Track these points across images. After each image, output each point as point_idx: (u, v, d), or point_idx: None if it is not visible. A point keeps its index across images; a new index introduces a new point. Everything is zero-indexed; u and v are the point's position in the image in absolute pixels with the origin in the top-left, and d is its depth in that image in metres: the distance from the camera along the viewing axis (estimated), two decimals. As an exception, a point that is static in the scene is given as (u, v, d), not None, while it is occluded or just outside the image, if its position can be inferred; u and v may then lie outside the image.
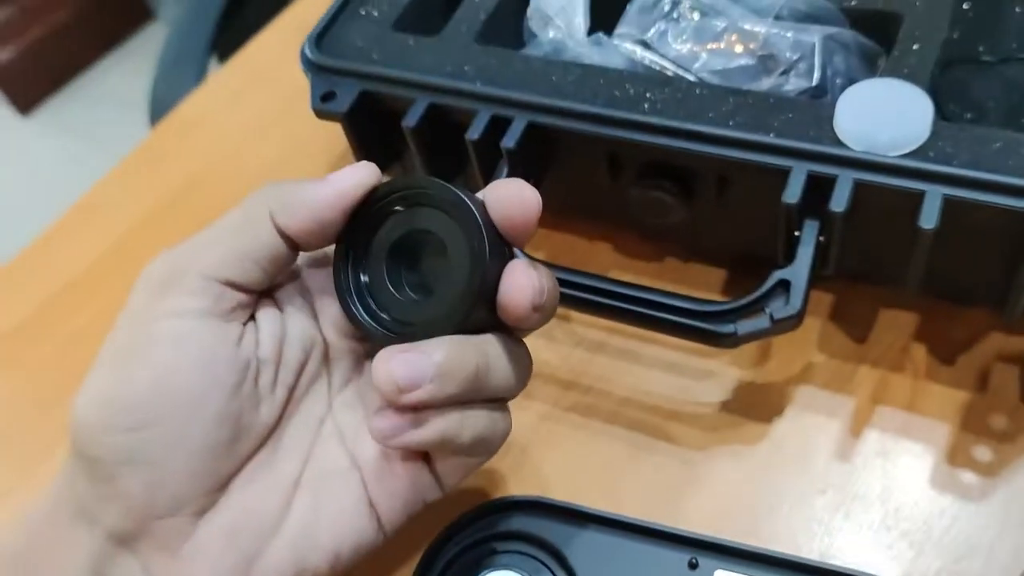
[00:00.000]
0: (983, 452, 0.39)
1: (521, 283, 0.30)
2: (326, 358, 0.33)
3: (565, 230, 0.50)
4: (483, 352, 0.30)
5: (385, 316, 0.32)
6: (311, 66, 0.46)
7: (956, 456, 0.39)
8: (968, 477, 0.39)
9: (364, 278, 0.32)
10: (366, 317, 0.32)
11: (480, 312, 0.30)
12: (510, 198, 0.30)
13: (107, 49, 2.02)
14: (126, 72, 1.97)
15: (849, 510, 0.39)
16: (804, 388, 0.43)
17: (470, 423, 0.30)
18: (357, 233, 0.32)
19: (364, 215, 0.32)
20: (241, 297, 0.30)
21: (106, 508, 0.29)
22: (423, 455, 0.32)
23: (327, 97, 0.45)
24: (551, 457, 0.43)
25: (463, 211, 0.30)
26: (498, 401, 0.32)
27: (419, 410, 0.29)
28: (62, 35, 1.96)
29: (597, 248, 0.49)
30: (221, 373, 0.29)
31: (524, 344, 0.33)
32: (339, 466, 0.31)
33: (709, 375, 0.44)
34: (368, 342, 0.34)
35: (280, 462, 0.31)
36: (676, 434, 0.42)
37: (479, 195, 0.31)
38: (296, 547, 0.30)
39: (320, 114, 0.45)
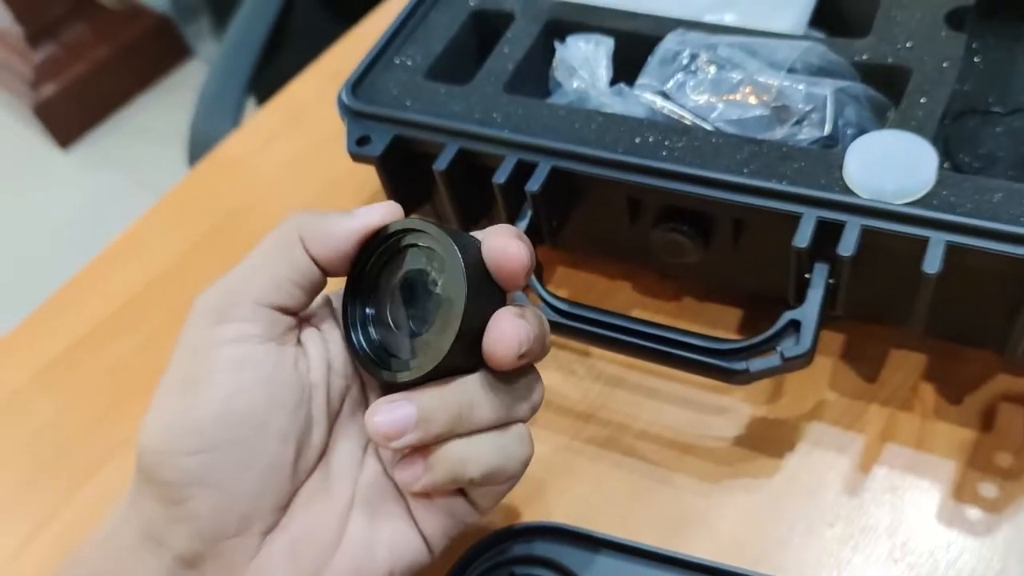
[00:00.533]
0: (989, 489, 0.41)
1: (506, 334, 0.31)
2: (364, 386, 0.35)
3: (586, 269, 0.52)
4: (465, 392, 0.31)
5: (383, 351, 0.33)
6: (347, 112, 0.49)
7: (962, 492, 0.41)
8: (974, 513, 0.40)
9: (370, 312, 0.34)
10: (367, 350, 0.33)
11: (460, 354, 0.31)
12: (499, 249, 0.31)
13: (146, 86, 2.08)
14: (163, 108, 2.02)
15: (857, 543, 0.40)
16: (815, 425, 0.44)
17: (475, 459, 0.32)
18: (366, 267, 0.33)
19: (374, 250, 0.33)
20: (289, 321, 0.32)
21: (175, 531, 0.30)
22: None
23: (362, 141, 0.47)
24: (569, 488, 0.44)
25: (451, 257, 0.31)
26: (503, 429, 0.33)
27: (426, 455, 0.31)
28: (102, 72, 2.02)
29: (617, 287, 0.51)
30: (282, 394, 0.31)
31: (533, 370, 0.34)
32: (386, 491, 0.33)
33: (723, 411, 0.46)
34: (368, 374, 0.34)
35: (333, 485, 0.33)
36: (691, 467, 0.44)
37: (478, 234, 0.33)
38: (355, 565, 0.32)
39: (355, 157, 0.48)
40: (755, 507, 0.42)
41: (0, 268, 1.76)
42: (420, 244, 0.33)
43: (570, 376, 0.48)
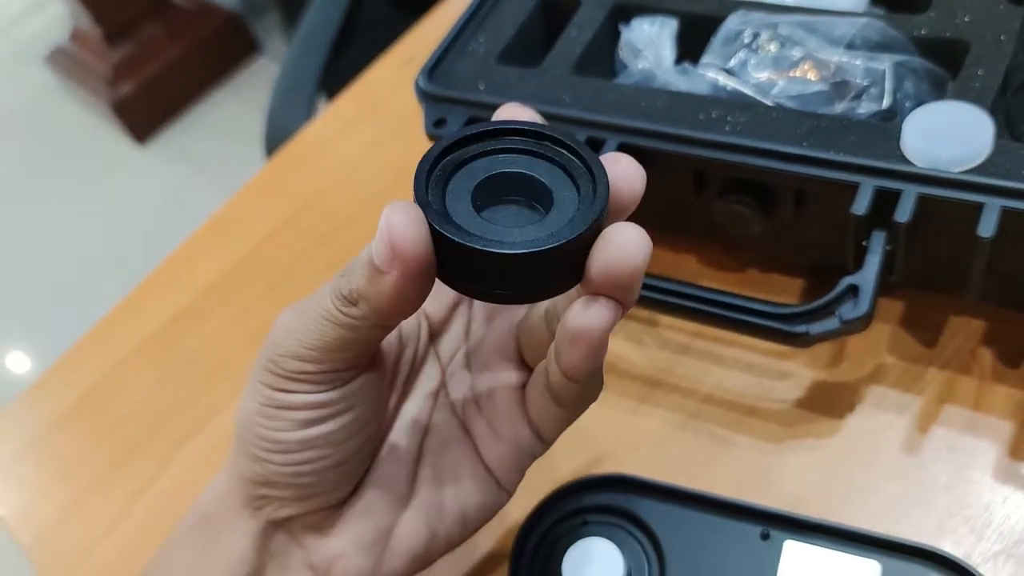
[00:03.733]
0: (1046, 448, 0.42)
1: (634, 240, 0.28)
2: (431, 334, 0.37)
3: (654, 243, 0.54)
4: None
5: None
6: (424, 96, 0.52)
7: (1019, 451, 0.42)
8: (1030, 470, 0.42)
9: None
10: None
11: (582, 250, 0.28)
12: (623, 174, 0.30)
13: (217, 83, 2.15)
14: (234, 104, 2.09)
15: (915, 498, 0.42)
16: (875, 388, 0.46)
17: None
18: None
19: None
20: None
21: (267, 504, 0.33)
22: (526, 417, 0.34)
23: (439, 123, 0.50)
24: (637, 449, 0.47)
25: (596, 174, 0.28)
26: None
27: None
28: (176, 70, 2.09)
29: (683, 260, 0.53)
30: (364, 414, 0.32)
31: None
32: (453, 436, 0.35)
33: (786, 375, 0.48)
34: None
35: (401, 440, 0.35)
36: (754, 428, 0.46)
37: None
38: (425, 516, 0.34)
39: (433, 138, 0.50)
40: (816, 466, 0.44)
41: (84, 259, 1.84)
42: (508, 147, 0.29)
43: (638, 344, 0.51)
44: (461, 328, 0.37)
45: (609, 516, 0.40)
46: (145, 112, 2.09)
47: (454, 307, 0.37)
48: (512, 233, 0.27)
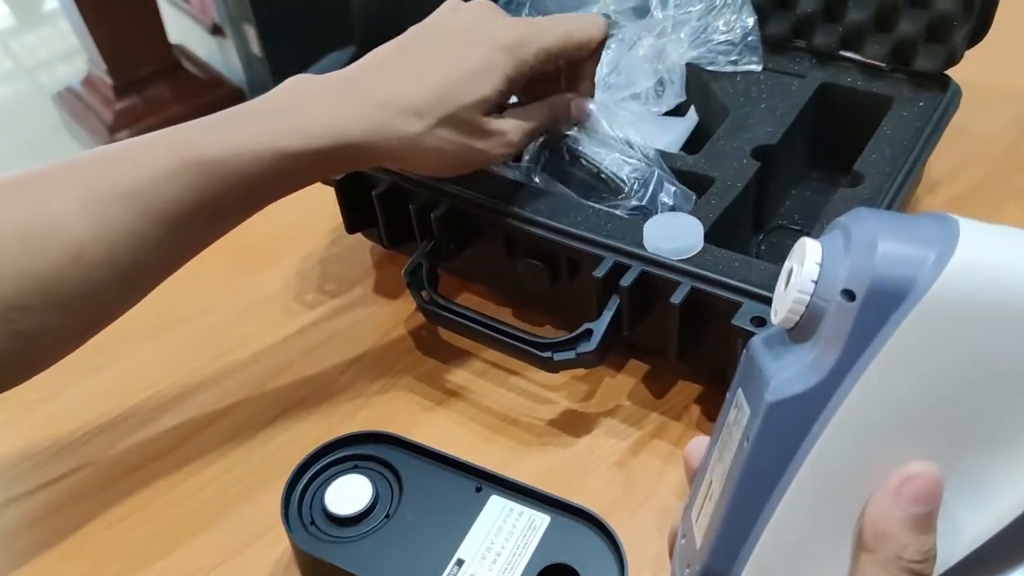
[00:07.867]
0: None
1: None
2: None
3: (482, 296, 0.69)
4: None
5: None
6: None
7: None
8: (698, 490, 0.55)
9: None
10: None
11: None
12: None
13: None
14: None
15: (615, 495, 0.55)
16: (609, 420, 0.60)
17: None
18: None
19: None
20: None
21: None
22: None
23: (329, 170, 0.66)
24: (423, 434, 0.60)
25: None
26: None
27: None
28: (172, 125, 2.27)
29: (501, 311, 0.68)
30: None
31: None
32: None
33: (548, 402, 0.62)
34: None
35: None
36: (512, 433, 0.60)
37: None
38: None
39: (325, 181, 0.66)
40: (549, 465, 0.58)
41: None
42: None
43: (450, 366, 0.65)
44: None
45: (370, 462, 0.53)
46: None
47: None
48: None
